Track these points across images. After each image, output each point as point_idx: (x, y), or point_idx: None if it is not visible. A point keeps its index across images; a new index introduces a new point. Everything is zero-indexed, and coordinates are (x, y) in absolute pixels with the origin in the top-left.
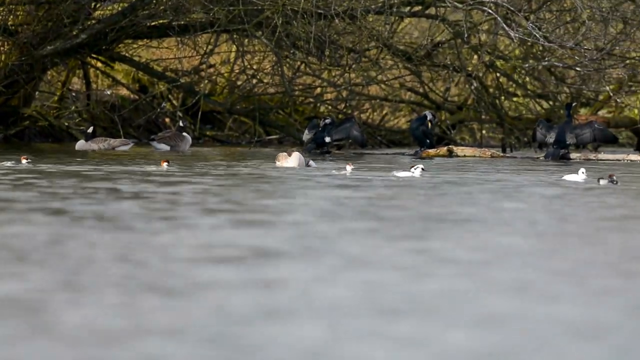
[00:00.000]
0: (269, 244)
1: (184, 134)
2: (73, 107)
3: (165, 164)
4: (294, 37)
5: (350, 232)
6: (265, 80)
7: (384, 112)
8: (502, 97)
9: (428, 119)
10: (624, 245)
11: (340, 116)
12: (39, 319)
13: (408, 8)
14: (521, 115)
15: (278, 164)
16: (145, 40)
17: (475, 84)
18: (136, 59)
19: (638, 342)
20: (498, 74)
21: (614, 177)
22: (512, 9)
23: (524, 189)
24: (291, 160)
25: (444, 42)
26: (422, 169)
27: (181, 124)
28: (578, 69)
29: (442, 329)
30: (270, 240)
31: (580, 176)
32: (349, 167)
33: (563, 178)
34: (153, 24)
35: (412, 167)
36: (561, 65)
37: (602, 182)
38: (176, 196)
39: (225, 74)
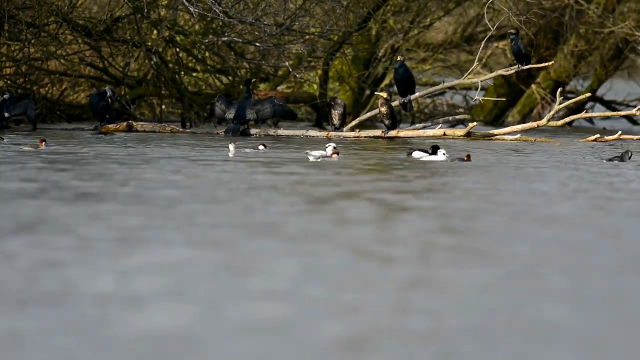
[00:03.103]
0: None
1: None
2: None
3: None
4: None
5: None
6: None
7: (64, 87)
8: (182, 73)
9: (108, 95)
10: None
11: (20, 91)
12: None
13: None
14: (201, 90)
15: None
16: None
17: (155, 60)
18: None
19: None
20: (178, 50)
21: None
22: None
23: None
24: None
25: (124, 17)
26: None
27: None
28: (258, 44)
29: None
30: None
31: (440, 156)
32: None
33: (412, 155)
34: None
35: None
36: (241, 40)
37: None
38: None
39: None
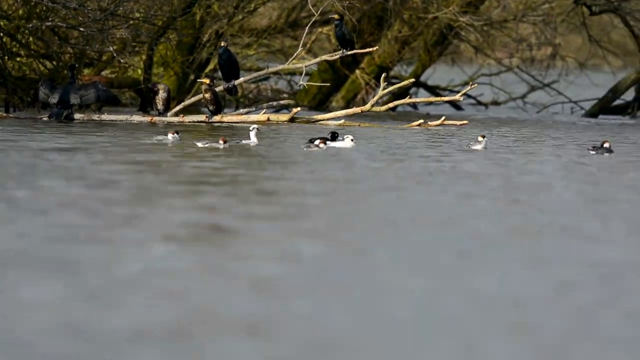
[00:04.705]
0: None
1: None
2: None
3: None
4: None
5: None
6: None
7: None
8: (6, 57)
9: None
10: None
11: None
12: None
13: None
14: (25, 75)
15: None
16: None
17: None
18: None
19: None
20: (1, 34)
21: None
22: None
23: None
24: None
25: None
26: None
27: None
28: (81, 29)
29: None
30: None
31: (347, 142)
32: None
33: (307, 146)
34: None
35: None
36: (65, 25)
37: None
38: None
39: None
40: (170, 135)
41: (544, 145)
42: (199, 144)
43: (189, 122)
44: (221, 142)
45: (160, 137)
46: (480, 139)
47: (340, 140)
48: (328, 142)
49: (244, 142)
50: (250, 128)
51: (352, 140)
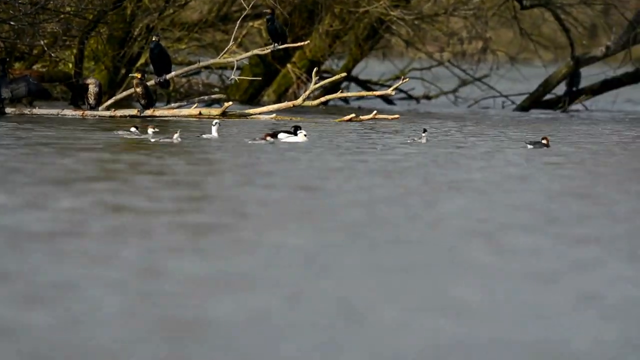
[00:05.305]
0: None
1: None
2: None
3: None
4: None
5: None
6: None
7: None
8: None
9: None
10: None
11: None
12: None
13: None
14: None
15: None
16: None
17: None
18: None
19: None
20: None
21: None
22: None
23: None
24: None
25: None
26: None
27: None
28: (12, 23)
29: None
30: None
31: (301, 137)
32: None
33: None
34: None
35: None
36: None
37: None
38: None
39: None
40: (133, 129)
41: (477, 140)
42: (152, 140)
43: (121, 116)
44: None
45: (121, 132)
46: (423, 134)
47: (293, 135)
48: (280, 137)
49: (204, 136)
50: (213, 123)
51: (305, 135)
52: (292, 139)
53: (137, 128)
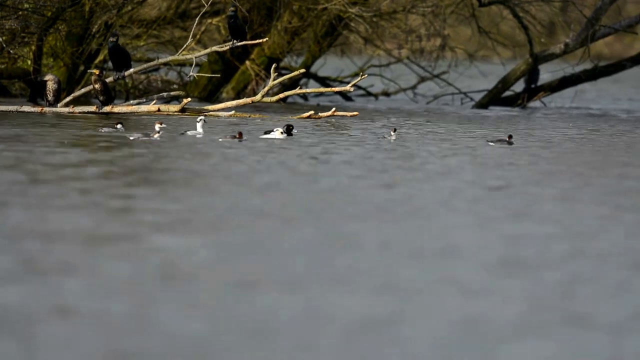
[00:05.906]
0: None
1: None
2: None
3: None
4: None
5: None
6: None
7: None
8: None
9: None
10: None
11: None
12: None
13: None
14: None
15: None
16: None
17: None
18: None
19: None
20: None
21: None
22: None
23: None
24: None
25: None
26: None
27: None
28: None
29: None
30: None
31: (277, 134)
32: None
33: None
34: None
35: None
36: None
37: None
38: None
39: None
40: (119, 126)
41: (437, 136)
42: (131, 137)
43: (79, 112)
44: (157, 126)
45: (107, 129)
46: (392, 132)
47: (272, 132)
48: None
49: (189, 133)
50: (198, 119)
51: (282, 132)
52: (269, 135)
53: (122, 125)
